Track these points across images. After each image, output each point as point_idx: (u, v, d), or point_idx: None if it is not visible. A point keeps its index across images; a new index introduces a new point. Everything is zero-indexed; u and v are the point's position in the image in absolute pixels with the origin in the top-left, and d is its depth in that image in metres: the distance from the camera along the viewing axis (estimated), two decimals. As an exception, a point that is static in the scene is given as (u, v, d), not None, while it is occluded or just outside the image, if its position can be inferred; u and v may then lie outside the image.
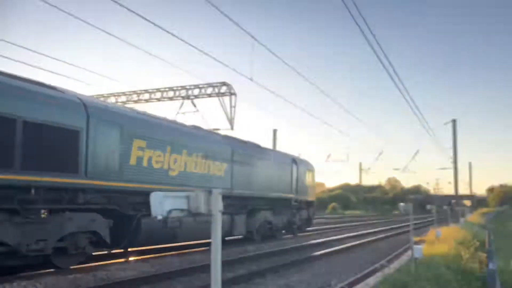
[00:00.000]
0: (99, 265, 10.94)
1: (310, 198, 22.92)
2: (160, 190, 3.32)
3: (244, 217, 16.35)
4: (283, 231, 20.28)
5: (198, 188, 3.22)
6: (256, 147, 18.11)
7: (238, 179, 15.68)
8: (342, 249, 16.90)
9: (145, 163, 11.31)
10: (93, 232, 9.97)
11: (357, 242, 19.63)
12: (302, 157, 23.84)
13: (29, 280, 8.43)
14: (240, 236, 16.98)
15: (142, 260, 12.15)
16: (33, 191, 8.44)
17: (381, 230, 28.95)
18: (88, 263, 10.68)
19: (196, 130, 14.79)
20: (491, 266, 6.92)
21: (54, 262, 9.38)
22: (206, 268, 10.20)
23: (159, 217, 2.92)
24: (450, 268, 8.09)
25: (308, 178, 22.39)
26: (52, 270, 9.63)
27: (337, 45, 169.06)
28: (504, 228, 39.05)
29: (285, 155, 21.09)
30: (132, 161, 10.90)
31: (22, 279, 8.47)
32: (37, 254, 8.67)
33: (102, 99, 25.74)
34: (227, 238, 15.98)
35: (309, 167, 22.91)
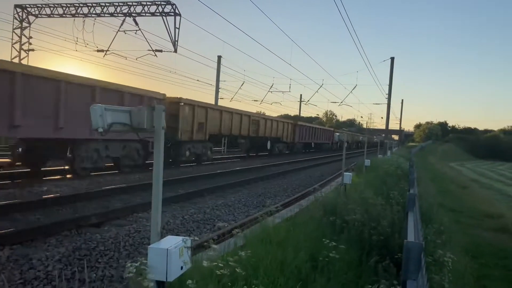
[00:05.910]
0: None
1: None
2: None
3: None
4: None
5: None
6: None
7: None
8: (280, 173, 17.71)
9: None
10: None
11: (292, 168, 20.57)
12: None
13: None
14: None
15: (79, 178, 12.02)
16: None
17: (314, 158, 30.41)
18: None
19: None
20: (411, 191, 7.56)
21: None
22: (147, 186, 10.32)
23: (100, 130, 2.81)
24: (376, 193, 8.73)
25: None
26: None
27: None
28: (425, 161, 42.66)
29: None
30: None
31: None
32: None
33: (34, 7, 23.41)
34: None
35: None
